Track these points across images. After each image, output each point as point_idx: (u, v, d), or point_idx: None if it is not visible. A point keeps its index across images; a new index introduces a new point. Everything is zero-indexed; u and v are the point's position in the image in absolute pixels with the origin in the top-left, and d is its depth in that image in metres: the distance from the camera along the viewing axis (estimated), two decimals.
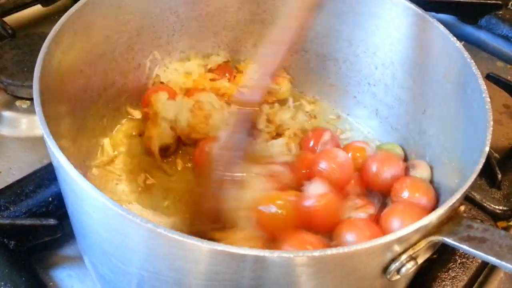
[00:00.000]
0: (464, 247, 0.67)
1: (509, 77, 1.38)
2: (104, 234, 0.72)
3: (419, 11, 0.98)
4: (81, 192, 0.67)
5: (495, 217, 1.05)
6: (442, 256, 0.96)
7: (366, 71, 1.12)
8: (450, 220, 0.70)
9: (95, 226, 0.73)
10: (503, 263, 0.64)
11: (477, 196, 1.07)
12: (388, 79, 1.09)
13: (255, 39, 1.18)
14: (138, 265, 0.72)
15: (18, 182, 0.97)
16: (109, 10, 0.96)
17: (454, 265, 0.95)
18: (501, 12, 1.48)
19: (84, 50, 0.94)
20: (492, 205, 1.07)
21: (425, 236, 0.68)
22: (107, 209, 0.63)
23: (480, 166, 0.72)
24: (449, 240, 0.67)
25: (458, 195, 0.68)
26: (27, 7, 1.38)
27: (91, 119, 1.00)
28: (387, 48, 1.06)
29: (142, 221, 0.61)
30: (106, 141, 1.05)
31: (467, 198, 1.06)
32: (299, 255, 0.61)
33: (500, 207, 1.06)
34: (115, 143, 1.06)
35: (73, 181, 0.66)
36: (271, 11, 1.14)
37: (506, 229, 1.04)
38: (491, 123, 0.79)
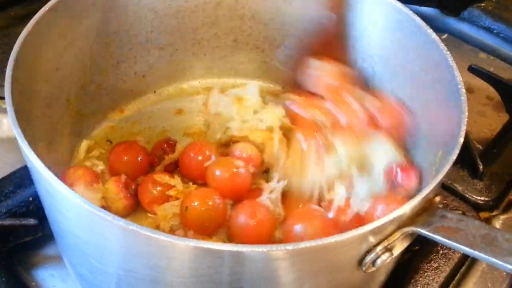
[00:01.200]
0: (438, 237, 0.67)
1: (492, 69, 1.38)
2: (79, 234, 0.72)
3: (397, 4, 0.98)
4: (54, 191, 0.67)
5: (477, 208, 1.06)
6: (424, 248, 0.97)
7: (346, 64, 1.11)
8: (425, 211, 0.71)
9: (70, 225, 0.73)
10: (476, 252, 0.65)
11: (459, 188, 1.08)
12: (368, 72, 1.08)
13: (235, 34, 1.17)
14: (115, 264, 0.72)
15: None
16: (84, 7, 0.96)
17: (436, 256, 0.96)
18: (483, 4, 1.48)
19: (59, 48, 0.93)
20: (474, 196, 1.08)
21: (399, 227, 0.68)
22: (79, 207, 0.64)
23: (454, 157, 0.73)
24: (423, 231, 0.68)
25: (431, 186, 0.69)
26: (8, 7, 1.37)
27: (69, 119, 1.00)
28: (366, 41, 1.06)
29: (114, 219, 0.61)
30: (84, 143, 1.03)
31: (449, 190, 1.07)
32: (272, 249, 0.61)
33: (482, 198, 1.08)
34: (93, 145, 1.05)
35: (46, 181, 0.66)
36: (249, 7, 1.13)
37: (488, 219, 1.05)
38: (466, 114, 0.79)
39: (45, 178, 0.65)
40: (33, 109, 0.86)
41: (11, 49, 1.19)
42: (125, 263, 0.70)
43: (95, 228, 0.67)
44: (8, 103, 0.73)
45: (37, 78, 0.88)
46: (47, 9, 0.87)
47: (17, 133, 0.70)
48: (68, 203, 0.66)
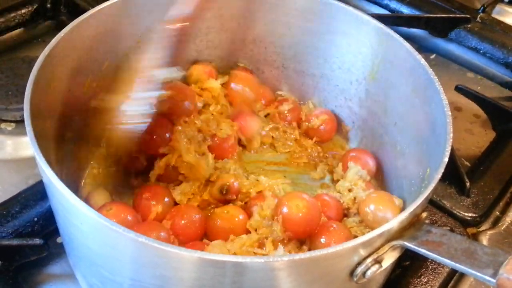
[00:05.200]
0: (422, 250, 0.71)
1: (479, 88, 1.42)
2: (91, 245, 0.75)
3: (387, 30, 1.02)
4: (69, 206, 0.70)
5: (465, 224, 1.07)
6: (414, 263, 0.98)
7: (342, 86, 1.16)
8: (412, 226, 0.74)
9: (83, 238, 0.76)
10: (457, 264, 0.68)
11: (447, 204, 1.10)
12: (362, 93, 1.13)
13: (236, 57, 1.22)
14: (125, 274, 0.75)
15: (4, 203, 0.98)
16: (96, 32, 1.00)
17: (426, 271, 0.97)
18: (469, 25, 1.51)
19: (72, 70, 0.97)
20: (462, 212, 1.09)
21: (388, 241, 0.71)
22: (93, 221, 0.67)
23: (439, 176, 0.76)
24: (410, 244, 0.71)
25: (418, 202, 0.72)
26: (10, 31, 1.40)
27: (81, 135, 1.03)
28: (360, 64, 1.10)
29: (125, 231, 0.64)
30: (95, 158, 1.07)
31: (438, 206, 1.09)
32: (269, 260, 0.65)
33: (470, 214, 1.09)
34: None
35: (62, 196, 0.69)
36: (250, 31, 1.18)
37: (475, 235, 1.06)
38: (451, 135, 0.82)
39: (61, 193, 0.69)
40: (47, 127, 0.90)
41: (14, 73, 1.23)
42: (134, 273, 0.74)
43: (107, 240, 0.70)
44: (27, 124, 0.76)
45: (52, 99, 0.91)
46: (62, 35, 0.91)
47: (35, 150, 0.73)
48: (82, 216, 0.69)
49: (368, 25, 1.05)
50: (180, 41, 1.15)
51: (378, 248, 0.71)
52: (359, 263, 0.71)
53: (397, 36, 1.01)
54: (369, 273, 0.71)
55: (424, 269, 0.98)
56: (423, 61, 0.95)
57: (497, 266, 0.67)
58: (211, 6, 1.14)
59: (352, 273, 0.72)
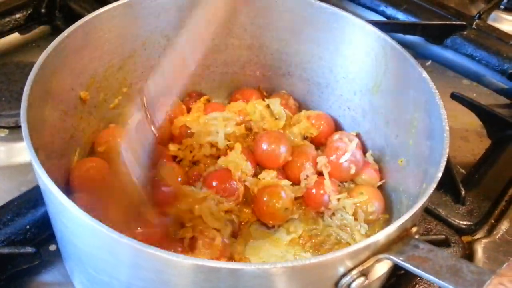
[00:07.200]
0: (407, 265, 0.70)
1: (474, 95, 1.42)
2: (87, 249, 0.76)
3: (392, 41, 1.01)
4: (66, 212, 0.70)
5: (460, 232, 1.07)
6: (409, 272, 0.96)
7: (346, 96, 1.15)
8: (401, 240, 0.73)
9: (79, 242, 0.77)
10: (441, 282, 0.68)
11: (442, 212, 1.10)
12: (366, 104, 1.12)
13: (243, 62, 1.22)
14: (121, 278, 0.76)
15: None
16: (101, 33, 1.00)
17: (420, 280, 0.98)
18: (465, 33, 1.51)
19: (75, 70, 0.97)
20: (457, 221, 1.09)
21: (374, 254, 0.71)
22: (88, 226, 0.67)
23: (430, 191, 0.76)
24: (395, 259, 0.71)
25: (406, 217, 0.72)
26: (4, 36, 1.40)
27: (81, 134, 1.03)
28: (364, 75, 1.09)
29: (121, 237, 0.65)
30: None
31: (433, 214, 1.09)
32: (249, 267, 0.67)
33: (465, 222, 1.09)
34: None
35: (58, 202, 0.70)
36: (257, 37, 1.18)
37: (470, 243, 1.06)
38: (447, 150, 0.82)
39: (59, 200, 0.69)
40: (45, 130, 0.90)
41: (8, 79, 1.23)
42: (130, 278, 0.74)
43: (102, 245, 0.71)
44: (23, 126, 0.77)
45: (53, 98, 0.91)
46: (66, 34, 0.92)
47: (33, 158, 0.73)
48: (79, 222, 0.69)
49: (373, 36, 1.04)
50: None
51: (364, 261, 0.71)
52: (344, 275, 0.71)
53: (400, 47, 1.00)
54: (354, 285, 0.70)
55: (419, 278, 0.98)
56: (425, 73, 0.94)
57: (481, 285, 0.66)
58: None
59: (336, 284, 0.71)
